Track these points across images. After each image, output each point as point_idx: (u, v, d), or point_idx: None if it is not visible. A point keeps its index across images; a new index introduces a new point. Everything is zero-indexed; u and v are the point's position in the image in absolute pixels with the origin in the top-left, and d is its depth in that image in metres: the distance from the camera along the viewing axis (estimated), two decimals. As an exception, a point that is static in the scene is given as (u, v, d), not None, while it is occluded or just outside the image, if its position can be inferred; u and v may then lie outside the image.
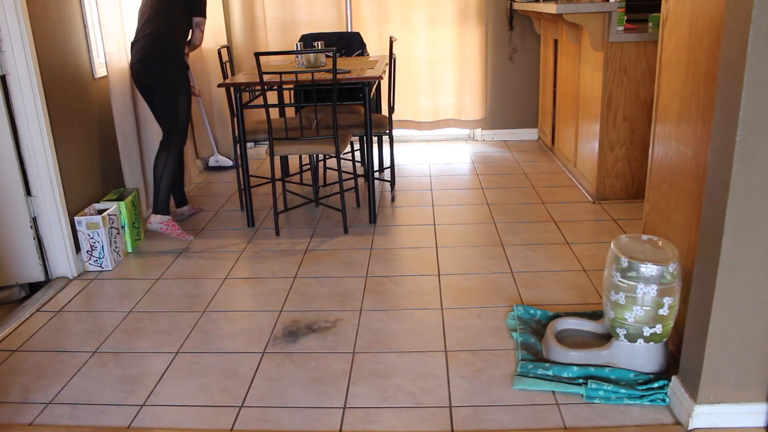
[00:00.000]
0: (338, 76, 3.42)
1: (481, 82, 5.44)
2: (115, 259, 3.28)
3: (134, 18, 3.63)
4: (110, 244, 3.22)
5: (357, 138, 4.84)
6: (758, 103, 1.61)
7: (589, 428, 1.94)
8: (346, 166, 4.89)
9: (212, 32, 4.96)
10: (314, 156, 4.16)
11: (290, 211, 3.98)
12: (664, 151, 2.34)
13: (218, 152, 5.03)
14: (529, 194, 4.12)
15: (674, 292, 2.03)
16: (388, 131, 4.07)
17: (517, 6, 5.01)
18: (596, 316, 2.52)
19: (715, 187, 1.75)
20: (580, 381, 2.11)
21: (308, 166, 4.72)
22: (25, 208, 3.01)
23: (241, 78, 3.65)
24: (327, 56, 4.00)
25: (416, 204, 4.03)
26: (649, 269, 2.00)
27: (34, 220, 3.05)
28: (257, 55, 3.28)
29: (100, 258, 3.20)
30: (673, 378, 2.02)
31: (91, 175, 3.40)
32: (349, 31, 5.31)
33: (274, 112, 4.65)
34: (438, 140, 5.74)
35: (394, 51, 4.79)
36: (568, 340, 2.32)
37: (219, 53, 4.00)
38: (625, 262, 2.05)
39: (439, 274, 3.02)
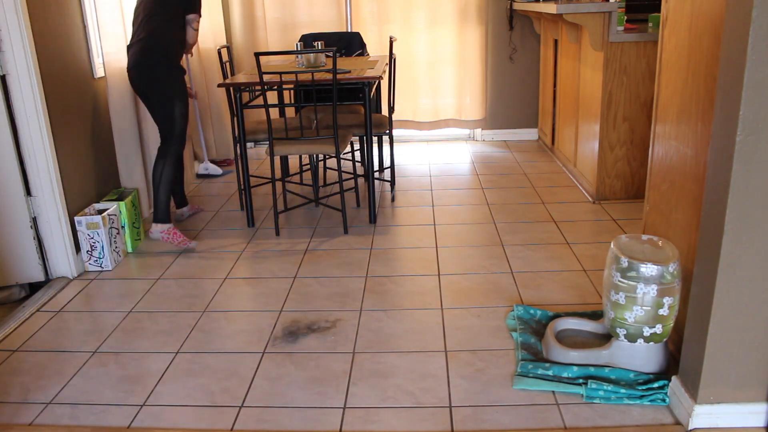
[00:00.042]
0: (338, 76, 3.42)
1: (481, 82, 5.44)
2: (115, 259, 3.28)
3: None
4: (110, 244, 3.22)
5: (357, 138, 4.84)
6: (758, 103, 1.61)
7: (589, 428, 1.94)
8: (346, 166, 4.89)
9: (212, 32, 4.97)
10: (314, 156, 4.16)
11: (290, 211, 3.98)
12: (664, 151, 2.34)
13: (208, 159, 4.96)
14: (529, 194, 4.12)
15: (674, 292, 2.03)
16: (388, 131, 4.07)
17: (517, 6, 5.01)
18: (596, 316, 2.52)
19: (715, 187, 1.75)
20: (580, 381, 2.11)
21: (308, 166, 4.72)
22: (25, 208, 3.01)
23: (241, 78, 3.65)
24: (327, 56, 4.00)
25: (416, 204, 4.03)
26: (649, 269, 2.00)
27: (34, 220, 3.05)
28: (257, 55, 3.28)
29: (100, 258, 3.20)
30: (673, 378, 2.02)
31: (91, 175, 3.40)
32: (349, 31, 5.31)
33: (274, 112, 4.65)
34: (438, 140, 5.74)
35: (394, 51, 4.79)
36: (568, 340, 2.32)
37: (219, 53, 4.00)
38: (625, 262, 2.05)
39: (439, 274, 3.02)
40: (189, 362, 2.39)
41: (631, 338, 2.11)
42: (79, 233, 3.15)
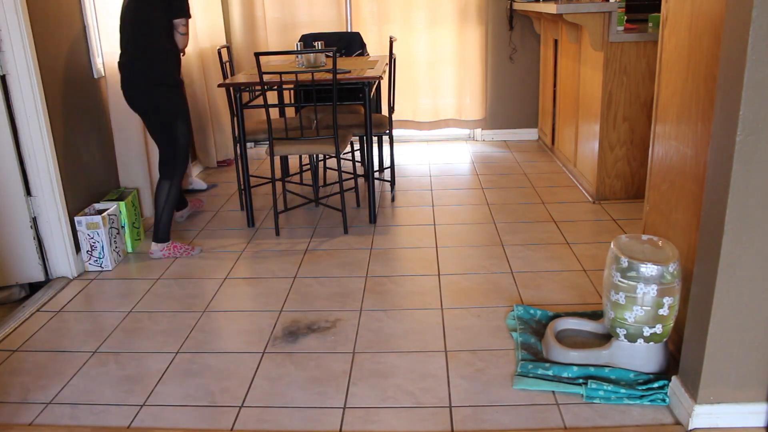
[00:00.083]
0: (338, 76, 3.42)
1: (481, 82, 5.44)
2: (115, 259, 3.28)
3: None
4: (110, 244, 3.22)
5: (357, 138, 4.84)
6: (758, 103, 1.61)
7: (589, 428, 1.94)
8: (346, 166, 4.89)
9: (212, 32, 4.97)
10: (314, 156, 4.16)
11: (290, 211, 3.98)
12: (664, 151, 2.34)
13: (193, 176, 4.73)
14: (529, 194, 4.12)
15: (674, 292, 2.03)
16: (388, 131, 4.07)
17: (517, 6, 5.01)
18: (596, 316, 2.52)
19: (715, 187, 1.75)
20: (580, 381, 2.11)
21: (308, 166, 4.72)
22: (25, 208, 3.01)
23: (241, 78, 3.64)
24: (327, 56, 4.00)
25: (416, 204, 4.03)
26: (649, 269, 2.00)
27: (34, 220, 3.05)
28: (257, 55, 3.28)
29: (100, 258, 3.20)
30: (673, 378, 2.02)
31: (91, 175, 3.40)
32: (349, 31, 5.31)
33: (274, 112, 4.65)
34: (438, 140, 5.74)
35: (394, 51, 4.79)
36: (568, 340, 2.32)
37: (219, 53, 4.00)
38: (625, 262, 2.05)
39: (439, 274, 3.02)
40: (189, 362, 2.39)
41: (631, 338, 2.11)
42: (79, 233, 3.15)
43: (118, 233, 3.32)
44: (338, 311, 2.71)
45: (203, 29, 4.80)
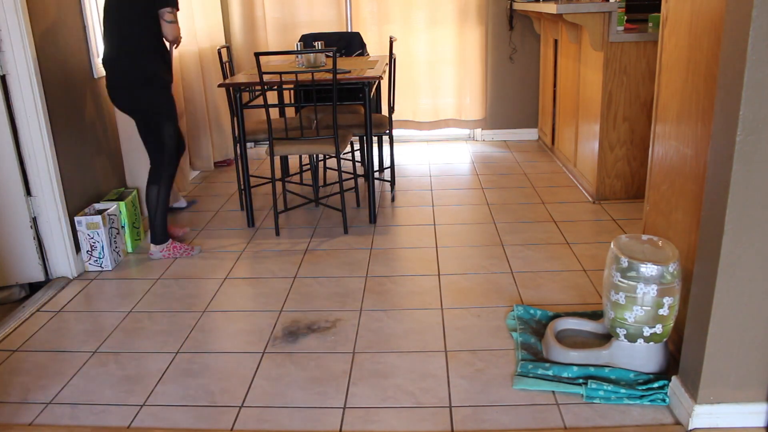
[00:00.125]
0: (338, 76, 3.42)
1: (481, 82, 5.44)
2: (115, 259, 3.28)
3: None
4: (110, 244, 3.22)
5: (357, 138, 4.84)
6: (758, 103, 1.61)
7: (589, 428, 1.94)
8: (346, 166, 4.89)
9: (211, 32, 4.97)
10: (314, 156, 4.16)
11: (290, 211, 3.98)
12: (664, 151, 2.34)
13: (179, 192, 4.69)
14: (529, 194, 4.12)
15: (674, 292, 2.03)
16: (388, 131, 4.07)
17: (517, 6, 5.01)
18: (596, 316, 2.52)
19: (715, 187, 1.75)
20: (580, 381, 2.11)
21: (308, 166, 4.72)
22: (25, 208, 3.01)
23: (241, 78, 3.64)
24: (327, 56, 4.00)
25: (416, 204, 4.03)
26: (649, 269, 2.00)
27: (34, 220, 3.05)
28: (257, 55, 3.28)
29: (100, 258, 3.20)
30: (673, 378, 2.02)
31: (91, 175, 3.39)
32: (349, 31, 5.31)
33: (274, 112, 4.65)
34: (438, 140, 5.74)
35: (394, 51, 4.79)
36: (568, 340, 2.32)
37: (219, 53, 4.00)
38: (625, 262, 2.05)
39: (439, 274, 3.02)
40: (189, 362, 2.39)
41: (631, 338, 2.11)
42: (79, 233, 3.15)
43: (118, 233, 3.32)
44: (338, 311, 2.71)
45: (203, 29, 4.80)
